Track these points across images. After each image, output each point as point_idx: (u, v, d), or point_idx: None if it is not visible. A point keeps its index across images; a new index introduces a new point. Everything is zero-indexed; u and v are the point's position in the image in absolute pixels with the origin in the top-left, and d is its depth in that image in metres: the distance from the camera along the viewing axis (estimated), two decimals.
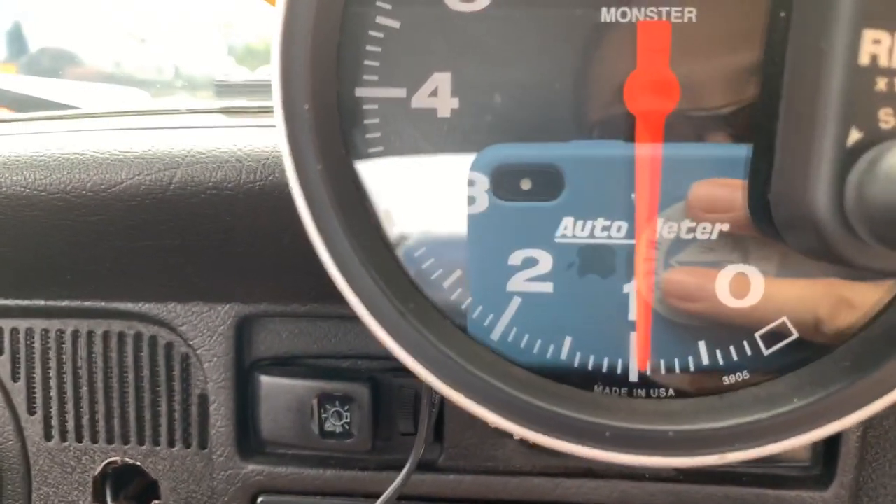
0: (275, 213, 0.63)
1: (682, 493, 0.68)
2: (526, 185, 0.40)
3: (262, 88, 0.84)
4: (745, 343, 0.40)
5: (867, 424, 0.67)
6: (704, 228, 0.39)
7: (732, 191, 0.38)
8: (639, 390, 0.41)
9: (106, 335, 0.74)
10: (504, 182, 0.40)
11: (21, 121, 0.79)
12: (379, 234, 0.39)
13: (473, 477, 0.70)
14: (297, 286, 0.69)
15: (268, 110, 0.78)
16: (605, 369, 0.41)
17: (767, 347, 0.40)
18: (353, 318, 0.70)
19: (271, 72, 0.36)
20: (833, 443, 0.68)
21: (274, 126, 0.72)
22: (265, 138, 0.66)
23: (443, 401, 0.69)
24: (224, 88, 0.83)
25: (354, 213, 0.37)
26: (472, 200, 0.40)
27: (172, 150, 0.65)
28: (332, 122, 0.37)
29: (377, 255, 0.37)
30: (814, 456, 0.68)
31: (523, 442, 0.70)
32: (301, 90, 0.35)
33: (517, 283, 0.40)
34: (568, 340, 0.41)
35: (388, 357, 0.71)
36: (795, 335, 0.40)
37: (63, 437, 0.76)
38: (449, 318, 0.40)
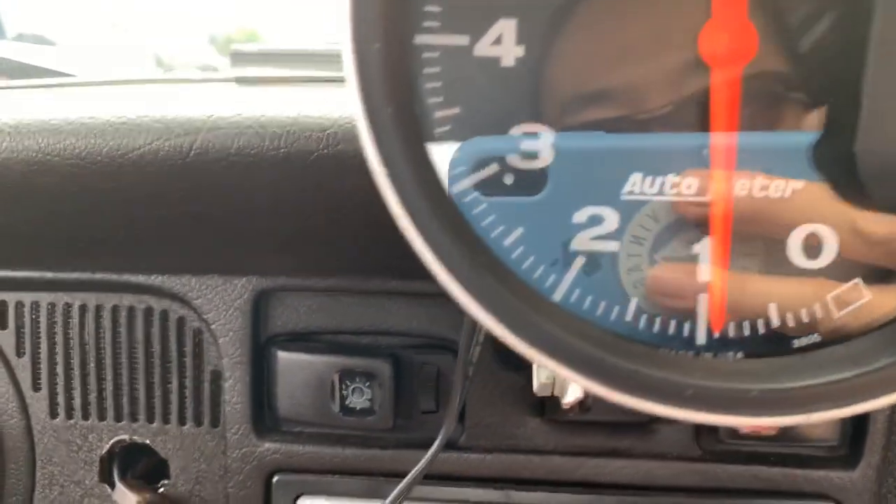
0: (298, 182, 0.61)
1: (707, 473, 0.67)
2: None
3: (278, 57, 0.81)
4: (816, 305, 0.39)
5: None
6: (778, 186, 0.37)
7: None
8: (705, 354, 0.39)
9: (115, 309, 0.72)
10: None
11: (25, 87, 0.76)
12: (444, 186, 0.37)
13: (495, 456, 0.68)
14: (319, 259, 0.67)
15: (284, 80, 0.76)
16: (671, 332, 0.39)
17: (839, 310, 0.39)
18: (375, 294, 0.70)
19: (340, 12, 0.34)
20: (861, 423, 0.67)
21: (295, 93, 0.70)
22: (287, 106, 0.63)
23: None
24: (240, 57, 0.80)
25: (422, 161, 0.36)
26: (534, 155, 0.38)
27: (192, 115, 0.62)
28: (399, 67, 0.35)
29: (444, 206, 0.36)
30: (841, 436, 0.67)
31: (546, 420, 0.69)
32: (372, 29, 0.33)
33: (581, 241, 0.39)
34: (633, 302, 0.39)
35: (410, 334, 0.70)
36: (868, 297, 0.38)
37: (69, 415, 0.73)
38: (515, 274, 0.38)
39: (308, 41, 0.93)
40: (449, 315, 0.69)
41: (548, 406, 0.67)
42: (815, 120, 0.38)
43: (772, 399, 0.34)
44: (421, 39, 0.38)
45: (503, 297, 0.35)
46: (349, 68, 0.33)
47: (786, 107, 0.38)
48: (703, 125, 0.37)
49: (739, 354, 0.39)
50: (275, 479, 0.69)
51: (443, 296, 0.68)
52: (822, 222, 0.38)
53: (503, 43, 0.38)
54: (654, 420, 0.67)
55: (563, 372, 0.34)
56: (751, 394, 0.34)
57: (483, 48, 0.38)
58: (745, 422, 0.34)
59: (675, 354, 0.38)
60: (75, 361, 0.72)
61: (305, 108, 0.62)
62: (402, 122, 0.33)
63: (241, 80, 0.75)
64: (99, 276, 0.70)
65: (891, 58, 0.33)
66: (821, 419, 0.34)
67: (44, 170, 0.63)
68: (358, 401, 0.68)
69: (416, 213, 0.34)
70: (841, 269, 0.38)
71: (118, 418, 0.73)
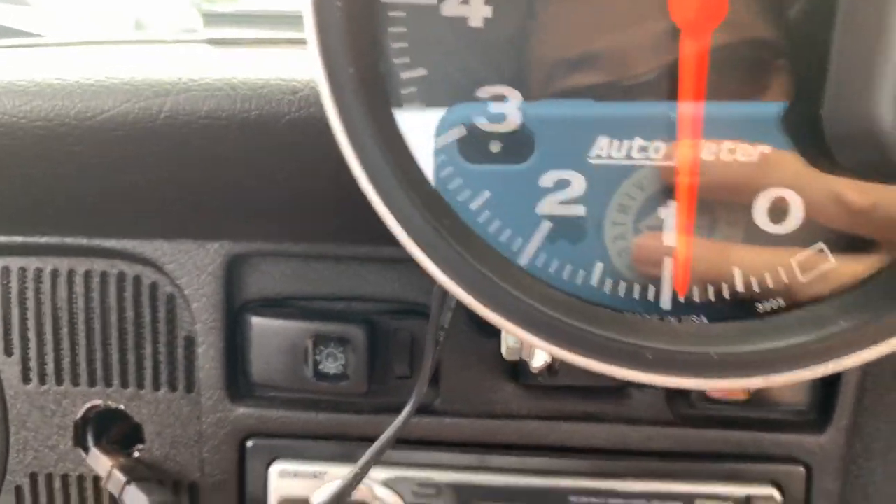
0: (269, 145, 0.61)
1: (678, 437, 0.68)
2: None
3: (252, 19, 0.80)
4: (780, 270, 0.39)
5: (865, 369, 0.67)
6: (745, 150, 0.37)
7: None
8: (670, 318, 0.39)
9: (87, 275, 0.71)
10: None
11: None
12: (408, 148, 0.37)
13: (470, 420, 0.69)
14: (291, 223, 0.67)
15: (258, 42, 0.75)
16: (636, 296, 0.39)
17: (803, 275, 0.39)
18: (349, 259, 0.69)
19: None
20: (830, 387, 0.67)
21: (267, 55, 0.69)
22: (260, 68, 0.63)
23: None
24: (212, 18, 0.79)
25: (386, 122, 0.35)
26: (501, 118, 0.38)
27: (162, 77, 0.61)
28: (363, 26, 0.35)
29: (408, 170, 0.35)
30: (811, 400, 0.68)
31: (520, 385, 0.69)
32: None
33: (548, 205, 0.39)
34: (599, 266, 0.39)
35: (384, 299, 0.70)
36: (832, 263, 0.39)
37: (42, 380, 0.73)
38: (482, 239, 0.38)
39: (285, 2, 0.91)
40: (423, 280, 0.69)
41: (521, 371, 0.68)
42: (784, 86, 0.37)
43: (733, 363, 0.34)
44: None
45: (467, 263, 0.34)
46: (309, 27, 0.33)
47: (755, 73, 0.38)
48: (673, 91, 0.37)
49: (703, 319, 0.39)
50: (248, 443, 0.69)
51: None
52: (788, 186, 0.38)
53: (471, 3, 0.37)
54: (628, 385, 0.68)
55: (525, 336, 0.34)
56: (711, 358, 0.34)
57: (451, 8, 0.37)
58: (707, 385, 0.35)
59: (639, 319, 0.38)
60: (48, 326, 0.72)
61: (278, 70, 0.61)
62: (366, 85, 0.33)
63: (214, 42, 0.73)
64: (70, 240, 0.69)
65: (856, 21, 0.32)
66: (781, 382, 0.34)
67: (10, 132, 0.62)
68: (332, 366, 0.68)
69: (379, 177, 0.33)
70: (806, 235, 0.38)
71: (92, 383, 0.72)
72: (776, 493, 0.67)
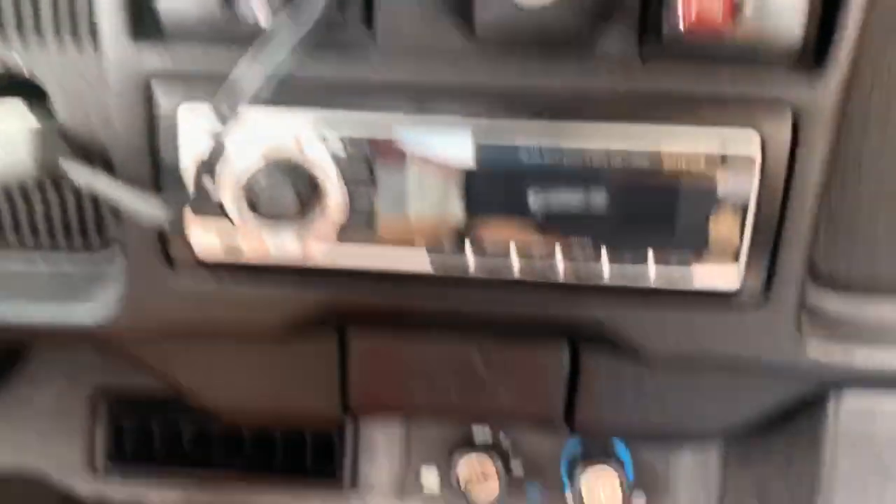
0: None
1: (648, 78, 0.59)
2: None
3: None
4: None
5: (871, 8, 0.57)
6: None
7: None
8: None
9: None
10: None
11: None
12: None
13: (410, 63, 0.60)
14: None
15: None
16: None
17: None
18: None
19: None
20: (828, 27, 0.57)
21: None
22: None
23: None
24: None
25: None
26: None
27: None
28: None
29: None
30: (805, 38, 0.57)
31: (469, 22, 0.59)
32: None
33: None
34: None
35: None
36: None
37: None
38: None
39: None
40: None
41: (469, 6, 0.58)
42: None
43: None
44: None
45: None
46: None
47: None
48: None
49: None
50: (154, 87, 0.60)
51: None
52: None
53: None
54: (594, 30, 0.58)
55: None
56: None
57: None
58: None
59: None
60: None
61: None
62: None
63: None
64: None
65: None
66: None
67: None
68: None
69: None
70: None
71: None
72: (755, 145, 0.58)
